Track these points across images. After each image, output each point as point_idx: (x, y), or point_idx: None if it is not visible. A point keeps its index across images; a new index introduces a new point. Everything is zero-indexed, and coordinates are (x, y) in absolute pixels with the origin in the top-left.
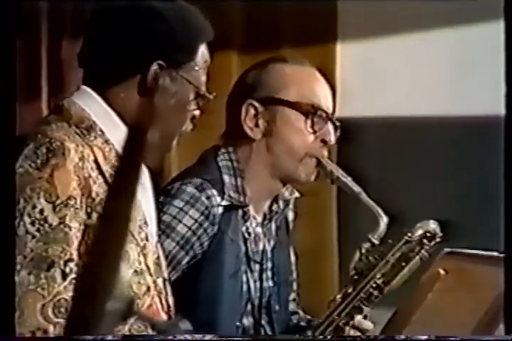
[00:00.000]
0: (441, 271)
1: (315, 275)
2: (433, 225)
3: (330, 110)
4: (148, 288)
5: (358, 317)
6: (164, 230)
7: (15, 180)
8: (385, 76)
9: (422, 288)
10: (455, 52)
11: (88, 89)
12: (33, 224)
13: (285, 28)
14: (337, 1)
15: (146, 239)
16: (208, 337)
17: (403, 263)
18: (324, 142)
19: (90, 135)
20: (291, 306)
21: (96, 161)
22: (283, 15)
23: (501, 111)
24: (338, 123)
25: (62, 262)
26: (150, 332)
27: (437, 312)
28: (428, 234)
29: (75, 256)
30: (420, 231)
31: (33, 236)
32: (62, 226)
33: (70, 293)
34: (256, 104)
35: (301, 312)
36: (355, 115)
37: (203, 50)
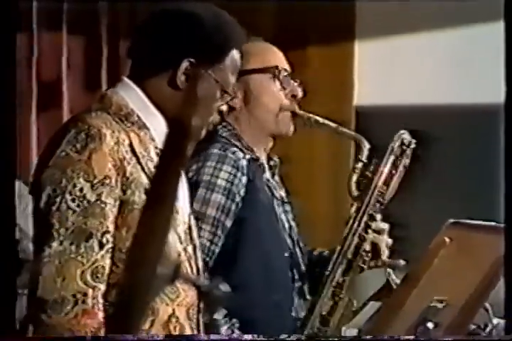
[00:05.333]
0: (447, 239)
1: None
2: (407, 136)
3: (289, 70)
4: (179, 254)
5: (374, 223)
6: (208, 187)
7: (15, 178)
8: (397, 70)
9: (429, 254)
10: (459, 49)
11: (129, 81)
12: (73, 200)
13: (310, 27)
14: (355, 3)
15: (176, 211)
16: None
17: (393, 171)
18: (294, 96)
19: (128, 121)
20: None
21: (131, 145)
22: (308, 16)
23: (500, 99)
24: (298, 81)
25: (99, 234)
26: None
27: (443, 275)
28: (405, 141)
29: (110, 229)
30: (398, 142)
31: (74, 211)
32: (99, 202)
33: (107, 261)
34: None
35: (317, 248)
36: (370, 103)
37: (234, 55)
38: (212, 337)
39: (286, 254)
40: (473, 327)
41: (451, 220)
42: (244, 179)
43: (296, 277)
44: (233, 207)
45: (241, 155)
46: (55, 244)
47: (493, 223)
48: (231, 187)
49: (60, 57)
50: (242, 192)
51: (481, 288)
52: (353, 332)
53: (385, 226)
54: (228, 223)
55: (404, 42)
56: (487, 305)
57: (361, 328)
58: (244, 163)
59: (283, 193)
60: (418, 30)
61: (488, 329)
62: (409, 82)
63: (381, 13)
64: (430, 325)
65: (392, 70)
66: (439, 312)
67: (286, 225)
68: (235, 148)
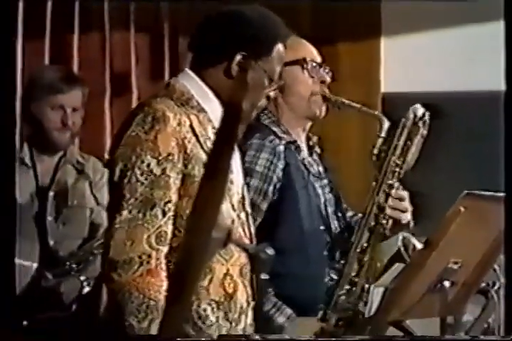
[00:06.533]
0: (462, 208)
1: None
2: (421, 109)
3: (318, 60)
4: (233, 221)
5: (393, 191)
6: (247, 173)
7: (14, 176)
8: (418, 62)
9: (446, 222)
10: (465, 44)
11: (189, 71)
12: (141, 174)
13: (341, 25)
14: (380, 3)
15: (231, 182)
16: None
17: (409, 143)
18: (323, 82)
19: (188, 105)
20: (349, 213)
21: (191, 126)
22: (338, 15)
23: (501, 87)
24: (328, 68)
25: (162, 203)
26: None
27: (458, 240)
28: (419, 115)
29: (173, 198)
30: (412, 115)
31: (142, 184)
32: (163, 176)
33: (170, 226)
34: None
35: (359, 214)
36: (395, 90)
37: (279, 48)
38: (270, 337)
39: (322, 227)
40: (483, 284)
41: (466, 191)
42: (281, 163)
43: (330, 245)
44: (270, 189)
45: (277, 142)
46: (125, 212)
47: (502, 194)
48: (268, 172)
49: (129, 53)
50: (280, 176)
51: (491, 251)
52: (380, 290)
53: (405, 193)
54: (263, 206)
55: (423, 38)
56: (496, 266)
57: (387, 287)
58: (281, 148)
59: (321, 168)
60: (434, 27)
61: (496, 287)
62: (427, 72)
63: (403, 12)
64: (447, 283)
65: (413, 62)
66: (454, 272)
67: (322, 199)
68: (273, 136)
